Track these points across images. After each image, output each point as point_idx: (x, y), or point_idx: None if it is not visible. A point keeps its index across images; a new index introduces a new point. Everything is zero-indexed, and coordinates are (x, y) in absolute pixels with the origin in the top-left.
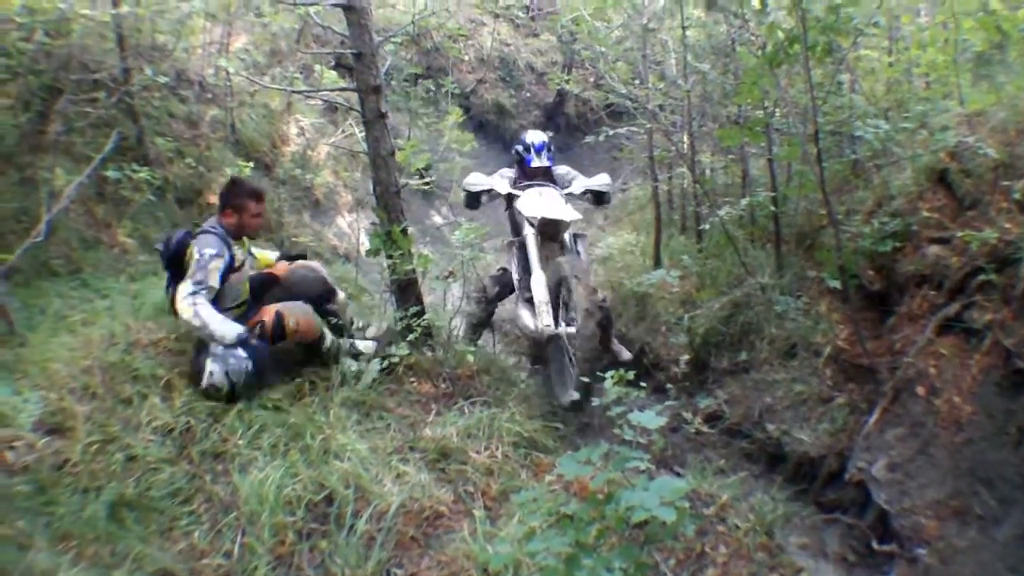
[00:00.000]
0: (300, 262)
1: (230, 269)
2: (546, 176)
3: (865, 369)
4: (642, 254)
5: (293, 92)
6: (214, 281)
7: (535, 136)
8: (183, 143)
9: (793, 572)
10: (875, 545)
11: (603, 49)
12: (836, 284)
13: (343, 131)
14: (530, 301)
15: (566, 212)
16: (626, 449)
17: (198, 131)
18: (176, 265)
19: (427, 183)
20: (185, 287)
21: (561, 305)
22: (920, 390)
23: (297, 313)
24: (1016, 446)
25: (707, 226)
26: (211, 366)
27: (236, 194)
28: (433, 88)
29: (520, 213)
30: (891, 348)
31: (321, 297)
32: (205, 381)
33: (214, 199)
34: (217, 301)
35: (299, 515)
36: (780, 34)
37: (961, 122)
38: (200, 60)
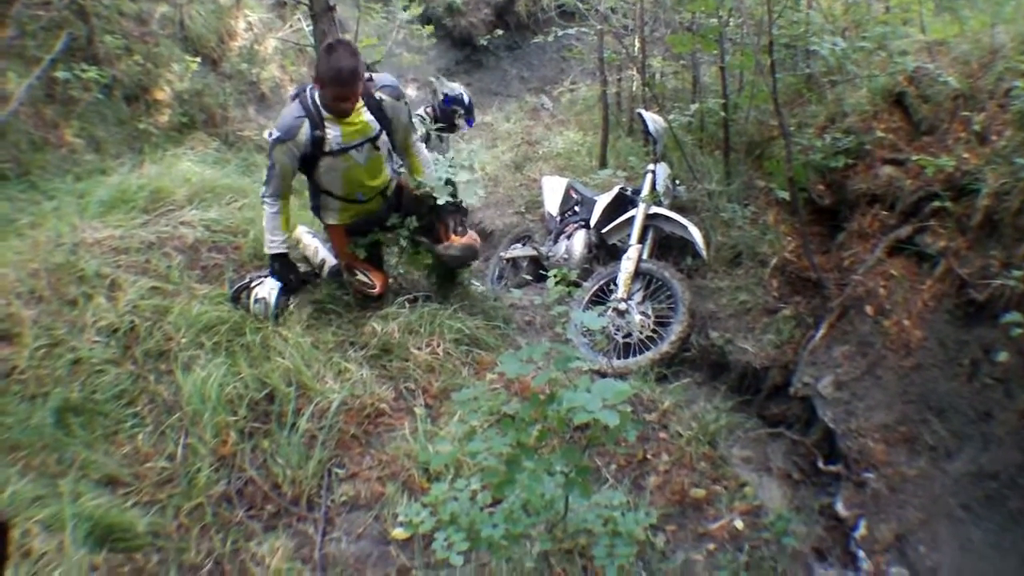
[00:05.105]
0: (469, 238)
1: (318, 152)
2: None
3: (812, 283)
4: (588, 154)
5: None
6: (284, 171)
7: None
8: (132, 40)
9: (737, 485)
10: (821, 464)
11: None
12: (785, 195)
13: (291, 25)
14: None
15: None
16: (568, 348)
17: (147, 28)
18: None
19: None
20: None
21: None
22: (869, 309)
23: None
24: (969, 378)
25: None
26: (263, 292)
27: (319, 67)
28: None
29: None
30: (839, 264)
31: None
32: (253, 306)
33: (161, 95)
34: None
35: (241, 414)
36: None
37: (921, 49)
38: None
